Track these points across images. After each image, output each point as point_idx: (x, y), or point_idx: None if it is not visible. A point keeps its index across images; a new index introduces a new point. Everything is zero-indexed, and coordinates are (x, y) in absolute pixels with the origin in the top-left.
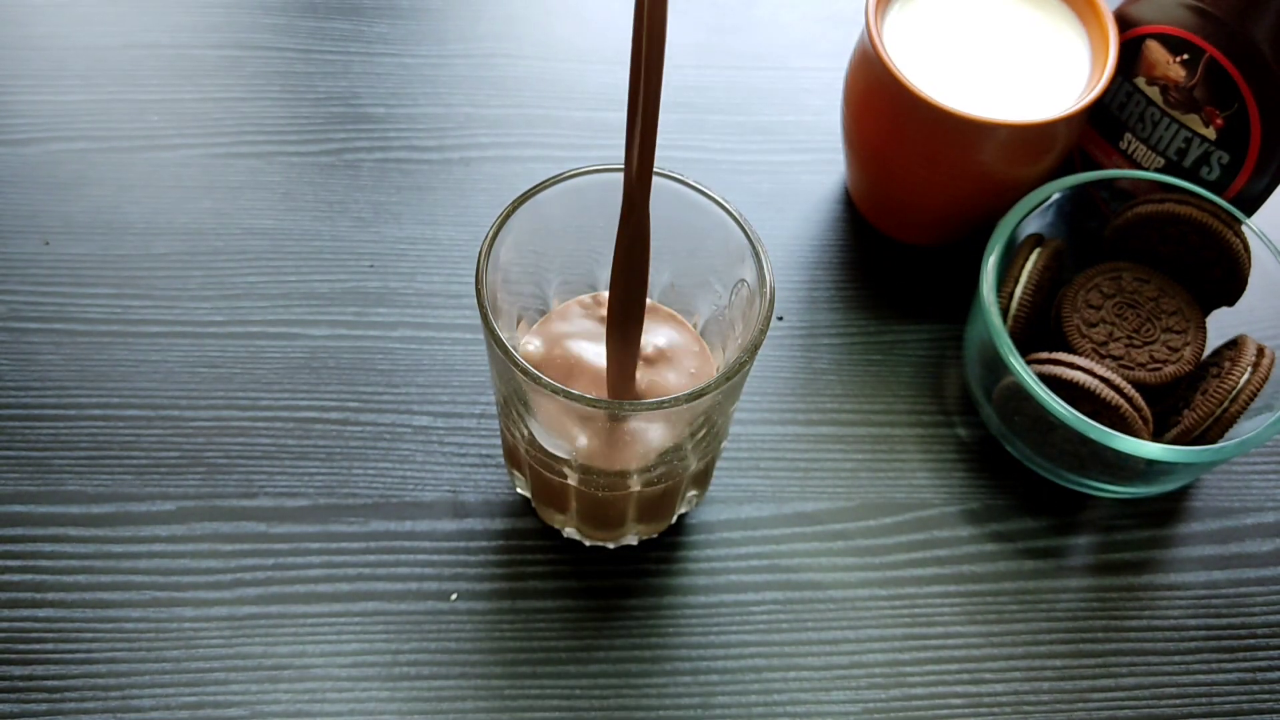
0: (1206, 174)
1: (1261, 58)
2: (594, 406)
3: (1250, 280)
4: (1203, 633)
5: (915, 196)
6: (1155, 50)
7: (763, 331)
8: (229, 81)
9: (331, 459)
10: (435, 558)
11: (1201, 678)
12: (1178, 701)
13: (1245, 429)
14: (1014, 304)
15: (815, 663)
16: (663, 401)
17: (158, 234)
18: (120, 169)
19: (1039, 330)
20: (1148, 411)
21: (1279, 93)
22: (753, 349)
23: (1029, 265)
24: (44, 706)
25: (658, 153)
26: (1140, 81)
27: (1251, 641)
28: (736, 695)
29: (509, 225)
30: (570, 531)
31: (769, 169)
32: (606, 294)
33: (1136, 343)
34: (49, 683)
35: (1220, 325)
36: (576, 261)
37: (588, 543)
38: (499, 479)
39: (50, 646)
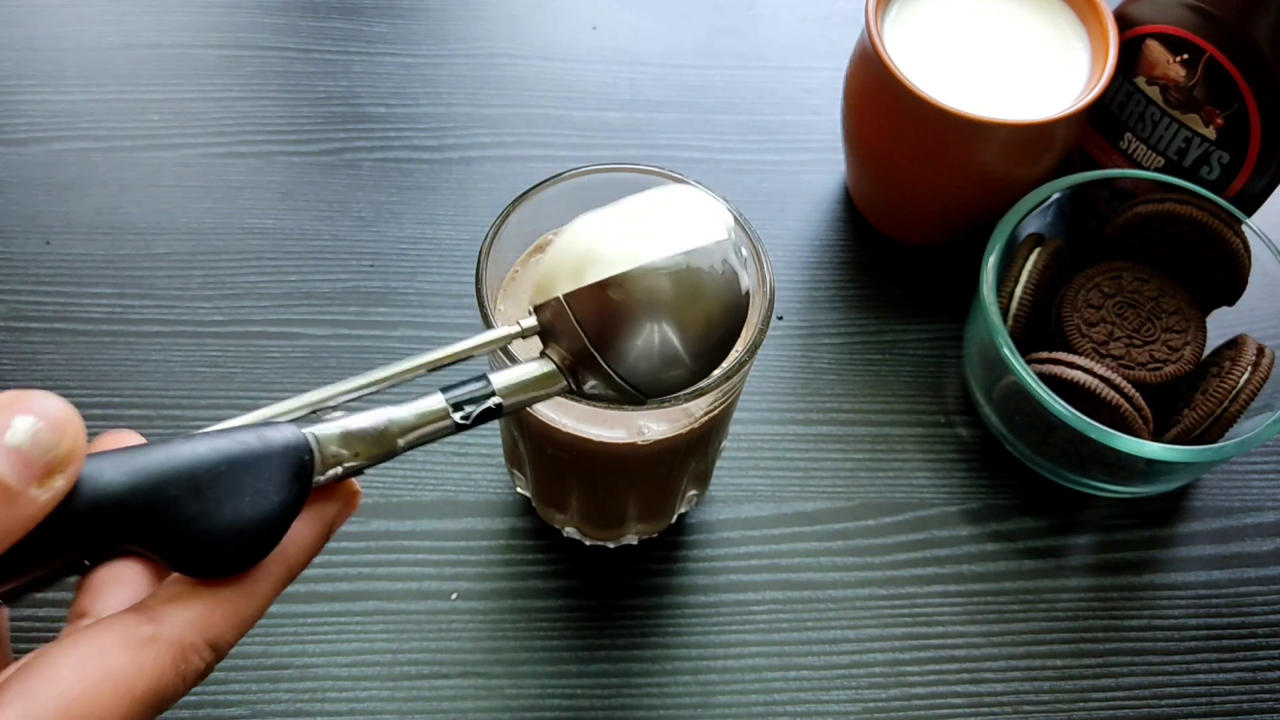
0: (1206, 174)
1: (1261, 58)
2: (594, 406)
3: (1250, 280)
4: (1203, 633)
5: (915, 196)
6: (1155, 50)
7: (763, 331)
8: (229, 81)
9: None
10: (435, 557)
11: (1201, 677)
12: (1178, 701)
13: (1245, 429)
14: (1014, 304)
15: (815, 662)
16: (662, 401)
17: (159, 234)
18: (121, 169)
19: (1039, 330)
20: (1148, 411)
21: (1279, 92)
22: (753, 349)
23: (1029, 265)
24: None
25: (659, 152)
26: (1140, 81)
27: (1251, 641)
28: (736, 695)
29: (509, 225)
30: (570, 531)
31: (769, 169)
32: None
33: (1136, 342)
34: None
35: (1220, 325)
36: None
37: (588, 542)
38: (499, 479)
39: None
